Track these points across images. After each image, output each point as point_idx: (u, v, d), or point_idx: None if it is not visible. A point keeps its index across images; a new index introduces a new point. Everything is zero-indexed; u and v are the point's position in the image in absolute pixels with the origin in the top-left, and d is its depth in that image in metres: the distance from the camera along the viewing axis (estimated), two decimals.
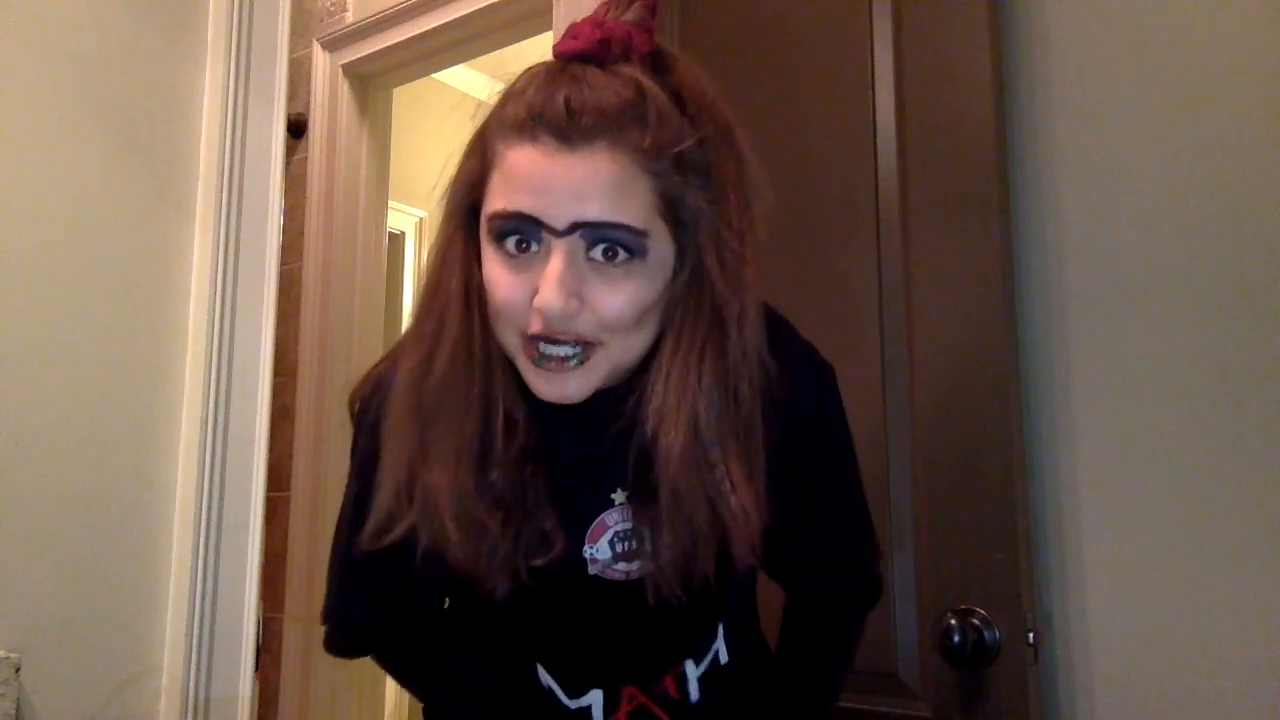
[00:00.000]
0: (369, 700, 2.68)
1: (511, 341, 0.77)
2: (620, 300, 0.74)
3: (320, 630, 0.98)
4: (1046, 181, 1.37)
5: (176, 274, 1.76)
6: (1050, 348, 1.34)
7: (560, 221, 0.72)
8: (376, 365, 0.92)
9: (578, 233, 0.72)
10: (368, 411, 0.89)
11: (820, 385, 0.92)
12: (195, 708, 1.66)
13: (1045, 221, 1.36)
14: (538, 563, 0.80)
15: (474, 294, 0.78)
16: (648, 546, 0.82)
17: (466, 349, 0.78)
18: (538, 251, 0.74)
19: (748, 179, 0.79)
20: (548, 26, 2.24)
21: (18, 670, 1.46)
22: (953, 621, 1.23)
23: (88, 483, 1.61)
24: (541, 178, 0.72)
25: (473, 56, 2.73)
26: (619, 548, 0.84)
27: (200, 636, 1.67)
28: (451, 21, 2.45)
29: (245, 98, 1.84)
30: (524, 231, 0.73)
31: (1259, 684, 1.16)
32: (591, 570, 0.86)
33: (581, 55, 0.76)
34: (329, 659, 0.98)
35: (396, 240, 3.65)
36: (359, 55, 2.66)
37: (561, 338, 0.74)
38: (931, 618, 1.27)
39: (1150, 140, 1.30)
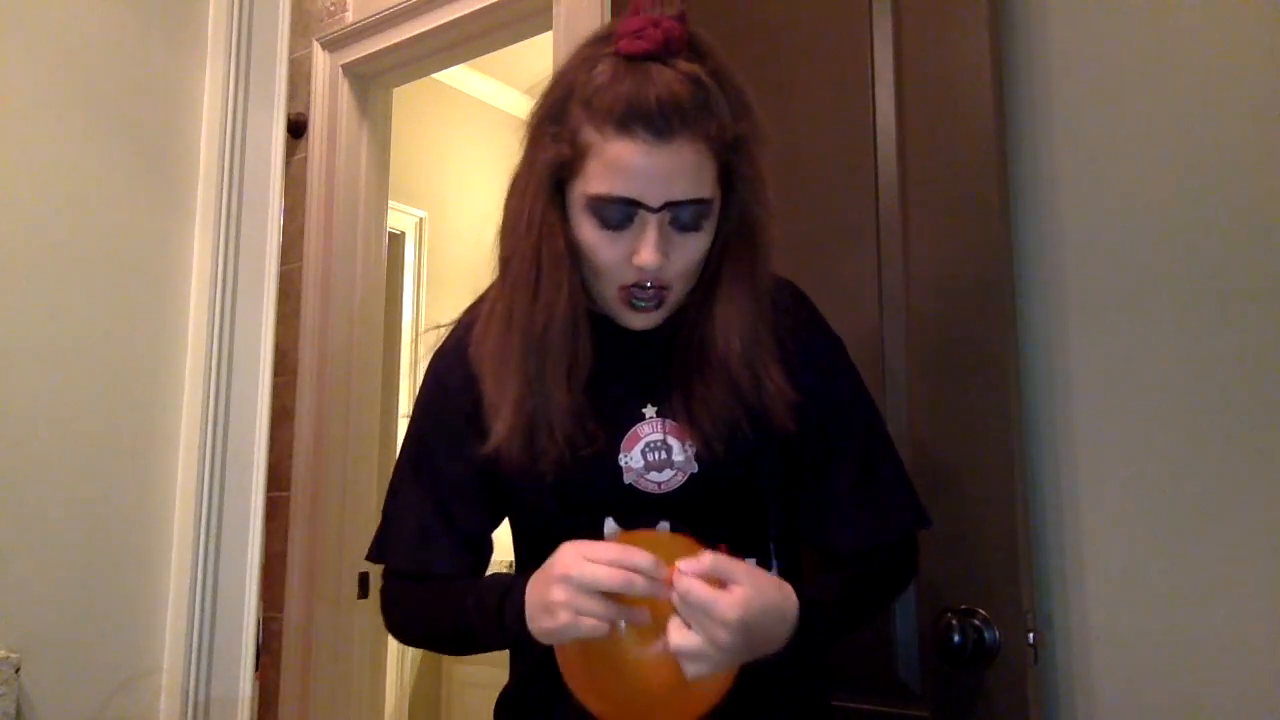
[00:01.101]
0: (369, 700, 2.68)
1: (609, 293, 0.98)
2: (691, 255, 0.95)
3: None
4: (1046, 181, 1.37)
5: (176, 274, 1.76)
6: (1050, 348, 1.34)
7: (656, 202, 0.91)
8: (461, 320, 1.10)
9: (667, 209, 0.92)
10: (439, 359, 1.10)
11: (827, 332, 1.09)
12: (195, 708, 1.66)
13: (1045, 221, 1.36)
14: (584, 453, 0.97)
15: (574, 255, 0.96)
16: (675, 457, 0.99)
17: (572, 299, 0.96)
18: (631, 222, 0.93)
19: (759, 129, 0.97)
20: (548, 26, 2.24)
21: (18, 670, 1.46)
22: (953, 621, 1.24)
23: (88, 483, 1.61)
24: (641, 169, 0.90)
25: (473, 56, 2.72)
26: (649, 457, 0.99)
27: (200, 636, 1.67)
28: (451, 21, 2.44)
29: (245, 98, 1.84)
30: (623, 209, 0.92)
31: (1259, 684, 1.16)
32: (627, 479, 0.99)
33: (648, 55, 0.91)
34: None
35: (396, 240, 3.65)
36: (359, 55, 2.65)
37: (650, 284, 0.95)
38: (931, 618, 1.27)
39: (1150, 140, 1.30)
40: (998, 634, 1.21)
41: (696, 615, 0.85)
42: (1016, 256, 1.34)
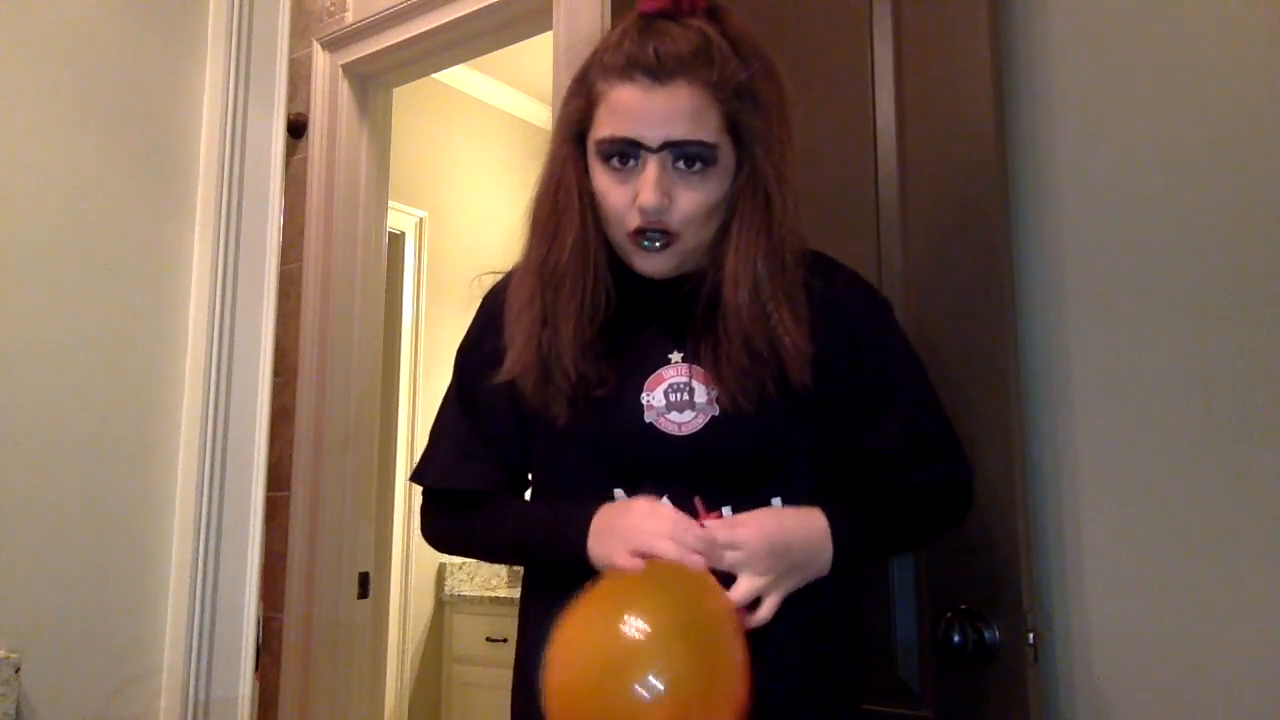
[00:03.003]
0: (369, 700, 2.68)
1: (620, 237, 1.02)
2: (697, 200, 0.98)
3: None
4: (1046, 181, 1.37)
5: (176, 274, 1.76)
6: (1050, 348, 1.34)
7: (654, 141, 0.96)
8: (509, 272, 1.14)
9: (667, 149, 0.96)
10: (489, 295, 1.16)
11: (870, 293, 1.13)
12: (195, 708, 1.66)
13: (1045, 221, 1.36)
14: (597, 393, 1.02)
15: (586, 200, 1.02)
16: (697, 399, 1.02)
17: (583, 239, 1.02)
18: (636, 165, 0.97)
19: (785, 99, 1.03)
20: (548, 26, 2.24)
21: (18, 670, 1.46)
22: (953, 621, 1.23)
23: (88, 483, 1.61)
24: (639, 109, 0.96)
25: (473, 56, 2.73)
26: (672, 397, 1.03)
27: (200, 636, 1.67)
28: (451, 21, 2.44)
29: (245, 98, 1.84)
30: (626, 151, 0.97)
31: (1259, 684, 1.16)
32: (647, 417, 1.03)
33: (661, 13, 0.99)
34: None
35: (396, 240, 3.64)
36: (359, 55, 2.65)
37: (654, 227, 0.98)
38: (931, 618, 1.27)
39: (1150, 140, 1.30)
40: (998, 634, 1.21)
41: (725, 555, 0.94)
42: (1016, 256, 1.34)
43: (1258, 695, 1.16)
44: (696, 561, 0.91)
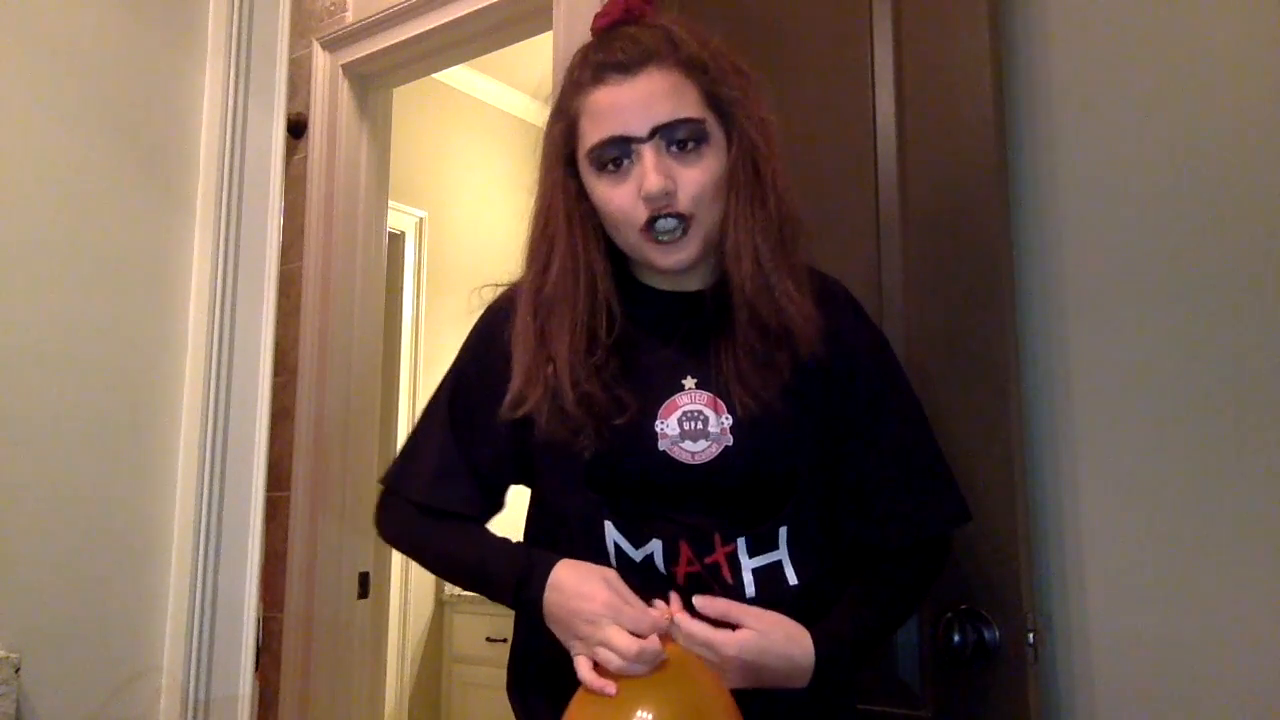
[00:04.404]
0: (369, 700, 2.68)
1: (632, 240, 1.00)
2: (698, 176, 0.98)
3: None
4: (1046, 181, 1.37)
5: (176, 274, 1.76)
6: (1050, 348, 1.34)
7: (642, 130, 0.97)
8: (508, 286, 1.14)
9: (658, 134, 0.97)
10: (490, 311, 1.14)
11: (866, 317, 1.13)
12: (195, 708, 1.66)
13: (1045, 221, 1.36)
14: (617, 422, 0.99)
15: (575, 218, 1.02)
16: (710, 429, 1.00)
17: (573, 258, 1.01)
18: (631, 163, 0.98)
19: (751, 80, 1.03)
20: (548, 26, 2.24)
21: (18, 670, 1.46)
22: (953, 621, 1.23)
23: (88, 483, 1.61)
24: (620, 104, 0.97)
25: (473, 56, 2.73)
26: (686, 425, 1.01)
27: (200, 636, 1.67)
28: (451, 21, 2.44)
29: (245, 98, 1.84)
30: (619, 151, 0.98)
31: (1258, 684, 1.16)
32: (661, 445, 1.01)
33: (615, 23, 1.02)
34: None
35: (396, 240, 3.64)
36: (359, 55, 2.65)
37: (666, 212, 0.97)
38: (931, 618, 1.27)
39: (1150, 140, 1.30)
40: (998, 634, 1.21)
41: (700, 651, 0.94)
42: (1016, 256, 1.34)
43: (1257, 694, 1.16)
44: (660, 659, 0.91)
